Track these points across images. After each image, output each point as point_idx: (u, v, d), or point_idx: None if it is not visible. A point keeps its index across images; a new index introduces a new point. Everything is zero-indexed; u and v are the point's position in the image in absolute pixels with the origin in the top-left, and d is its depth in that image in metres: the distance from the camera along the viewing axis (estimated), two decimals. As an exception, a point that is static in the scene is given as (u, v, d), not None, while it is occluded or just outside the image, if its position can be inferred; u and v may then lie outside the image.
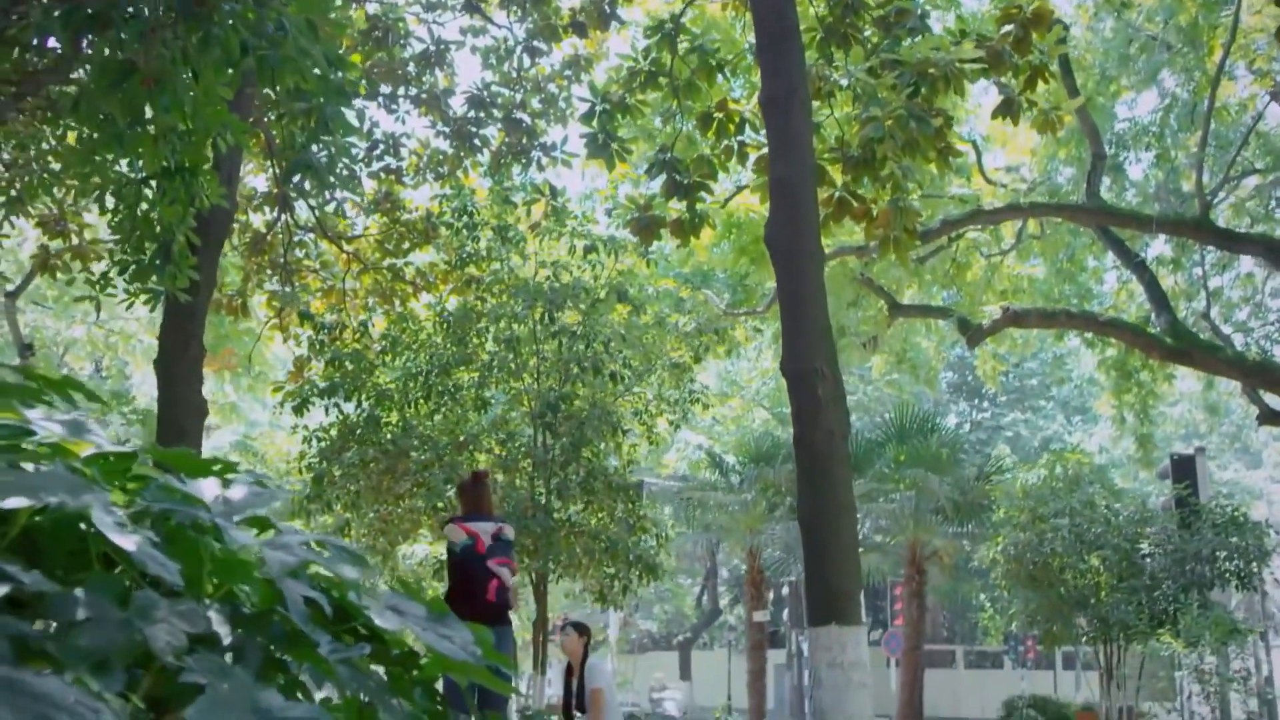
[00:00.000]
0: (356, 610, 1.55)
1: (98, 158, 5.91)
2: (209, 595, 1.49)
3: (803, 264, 7.79)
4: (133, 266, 6.40)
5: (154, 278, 6.44)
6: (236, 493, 1.66)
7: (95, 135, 5.45)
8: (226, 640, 1.41)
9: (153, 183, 6.07)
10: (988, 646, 34.52)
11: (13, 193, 8.67)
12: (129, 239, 6.21)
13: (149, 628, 1.29)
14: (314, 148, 7.37)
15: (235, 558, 1.49)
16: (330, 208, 11.19)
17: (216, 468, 1.70)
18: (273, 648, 1.48)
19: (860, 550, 9.86)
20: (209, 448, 26.33)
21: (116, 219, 6.23)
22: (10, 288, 16.40)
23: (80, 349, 22.98)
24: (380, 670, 1.57)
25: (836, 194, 9.07)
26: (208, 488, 1.63)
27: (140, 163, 5.84)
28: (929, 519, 22.55)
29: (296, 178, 8.45)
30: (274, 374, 19.81)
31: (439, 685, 1.63)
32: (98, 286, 7.16)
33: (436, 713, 1.60)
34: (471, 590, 6.35)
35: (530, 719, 9.97)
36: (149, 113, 5.21)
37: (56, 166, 8.30)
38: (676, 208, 10.58)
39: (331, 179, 8.49)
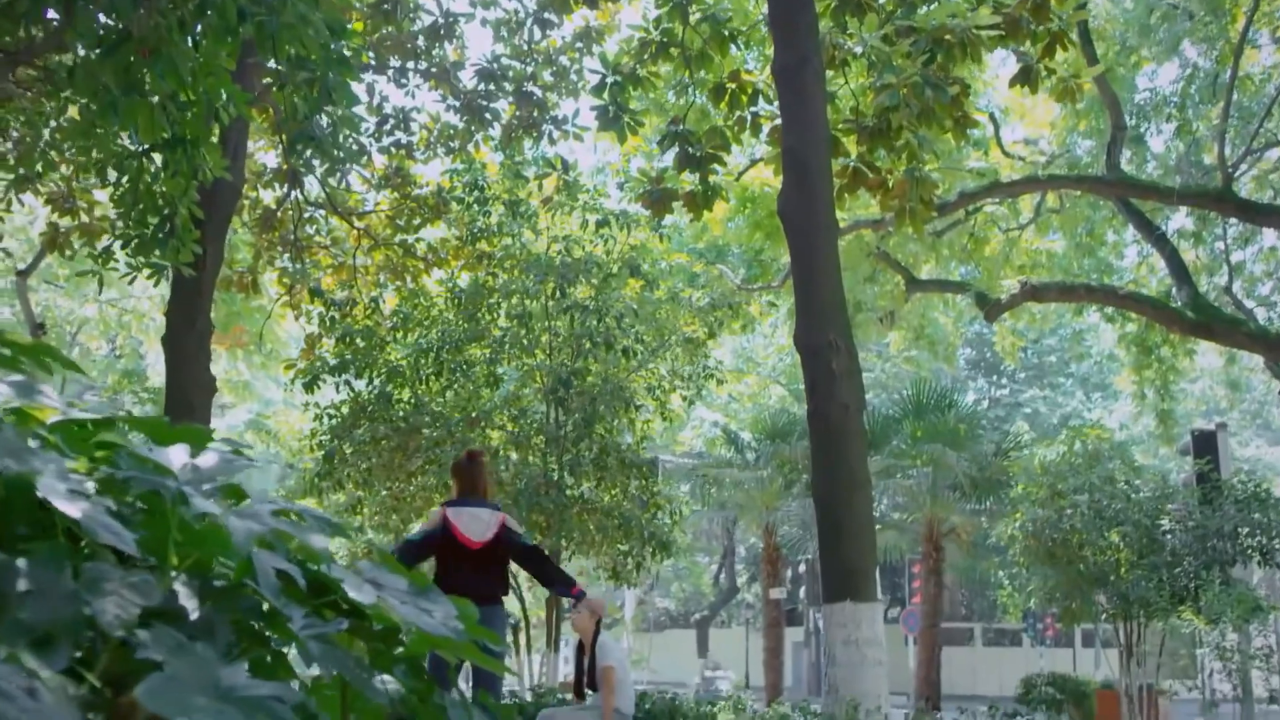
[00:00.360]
0: (334, 584, 1.45)
1: (99, 130, 5.82)
2: (176, 567, 1.40)
3: (816, 235, 7.68)
4: (135, 240, 6.31)
5: (157, 252, 6.35)
6: (206, 460, 1.57)
7: (94, 107, 5.36)
8: (195, 615, 1.32)
9: (155, 155, 5.98)
10: (1006, 624, 34.38)
11: (20, 171, 8.61)
12: (131, 212, 6.12)
13: (97, 600, 1.20)
14: (320, 119, 7.27)
15: (212, 527, 1.40)
16: (336, 180, 11.10)
17: (189, 436, 1.61)
18: (253, 623, 1.39)
19: (877, 527, 9.77)
20: (223, 426, 26.45)
21: (119, 193, 6.14)
22: (21, 266, 16.39)
23: (93, 328, 23.00)
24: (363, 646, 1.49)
25: (851, 164, 8.94)
26: (175, 455, 1.54)
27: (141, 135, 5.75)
28: (947, 495, 22.42)
29: (303, 151, 8.36)
30: (286, 351, 19.78)
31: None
32: (100, 261, 7.08)
33: (421, 690, 1.51)
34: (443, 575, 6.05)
35: (543, 697, 9.93)
36: (148, 82, 5.12)
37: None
38: (689, 180, 10.46)
39: (338, 152, 8.40)
